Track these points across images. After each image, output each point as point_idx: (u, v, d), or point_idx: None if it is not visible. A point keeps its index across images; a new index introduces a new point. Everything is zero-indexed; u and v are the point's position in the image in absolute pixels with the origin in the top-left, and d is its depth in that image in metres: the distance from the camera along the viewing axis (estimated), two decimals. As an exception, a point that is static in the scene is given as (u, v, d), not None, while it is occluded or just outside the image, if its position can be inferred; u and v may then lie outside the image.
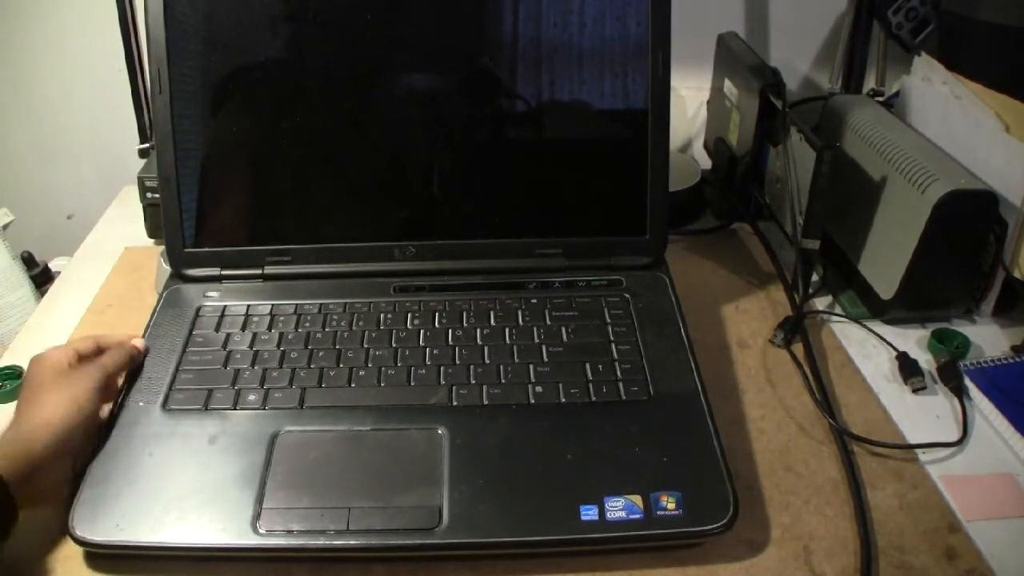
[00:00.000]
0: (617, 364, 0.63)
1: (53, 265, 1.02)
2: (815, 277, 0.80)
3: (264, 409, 0.60)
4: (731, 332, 0.74)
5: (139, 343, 0.64)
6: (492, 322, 0.67)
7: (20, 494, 0.51)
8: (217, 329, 0.67)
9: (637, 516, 0.52)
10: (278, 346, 0.65)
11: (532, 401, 0.60)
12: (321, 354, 0.64)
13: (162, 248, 0.73)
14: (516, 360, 0.64)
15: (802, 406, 0.66)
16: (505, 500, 0.53)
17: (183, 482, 0.55)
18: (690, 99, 1.04)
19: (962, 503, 0.58)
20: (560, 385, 0.61)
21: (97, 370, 0.58)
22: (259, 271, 0.72)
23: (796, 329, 0.73)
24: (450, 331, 0.66)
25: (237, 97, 0.70)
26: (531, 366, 0.63)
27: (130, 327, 0.68)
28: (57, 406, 0.55)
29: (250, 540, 0.51)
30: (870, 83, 0.99)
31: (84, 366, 0.58)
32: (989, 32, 0.89)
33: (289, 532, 0.52)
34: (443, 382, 0.62)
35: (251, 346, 0.65)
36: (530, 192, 0.73)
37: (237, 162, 0.72)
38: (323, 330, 0.67)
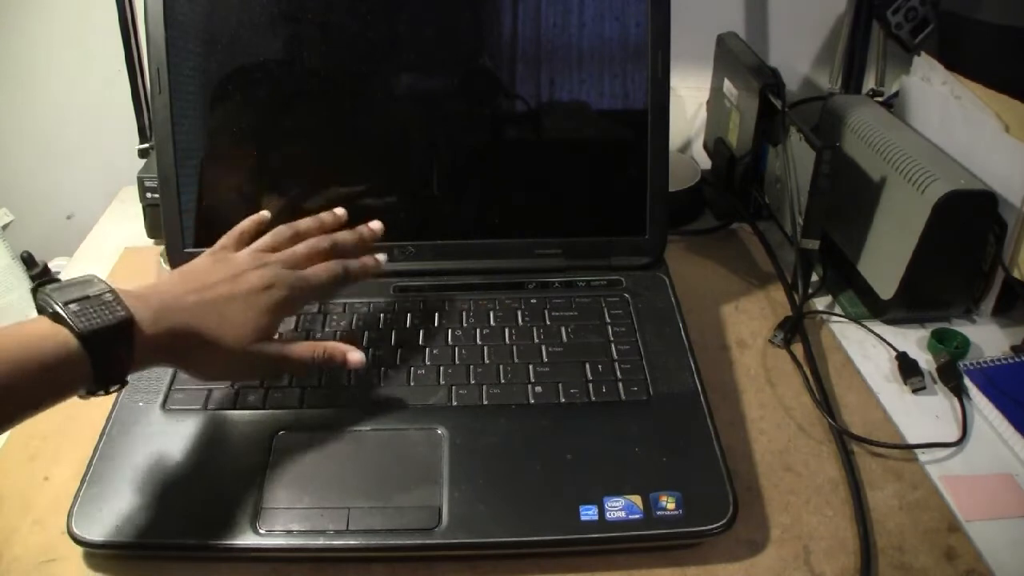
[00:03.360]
0: (617, 364, 0.63)
1: (53, 265, 1.02)
2: (815, 277, 0.80)
3: (264, 409, 0.60)
4: (731, 332, 0.74)
5: (382, 258, 0.61)
6: (492, 322, 0.67)
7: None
8: (217, 329, 0.67)
9: (637, 516, 0.52)
10: (278, 346, 0.65)
11: (532, 401, 0.61)
12: (321, 354, 0.64)
13: (162, 248, 0.73)
14: (516, 360, 0.64)
15: (801, 406, 0.66)
16: (505, 500, 0.53)
17: (183, 482, 0.55)
18: (689, 99, 1.04)
19: (962, 503, 0.58)
20: (560, 385, 0.61)
21: (288, 305, 0.55)
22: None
23: (796, 329, 0.73)
24: (450, 331, 0.66)
25: (237, 97, 0.70)
26: (531, 366, 0.63)
27: (130, 327, 0.68)
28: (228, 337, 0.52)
29: (250, 540, 0.51)
30: (870, 83, 0.99)
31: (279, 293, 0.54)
32: (989, 32, 0.89)
33: (289, 532, 0.52)
34: (443, 382, 0.62)
35: (251, 346, 0.65)
36: (529, 192, 0.73)
37: (237, 162, 0.72)
38: (323, 330, 0.67)
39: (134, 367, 0.49)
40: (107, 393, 0.49)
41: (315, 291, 0.58)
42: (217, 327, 0.52)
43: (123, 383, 0.49)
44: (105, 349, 0.46)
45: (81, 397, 0.48)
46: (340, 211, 0.63)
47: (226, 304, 0.53)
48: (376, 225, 0.63)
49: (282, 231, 0.61)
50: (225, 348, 0.52)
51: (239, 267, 0.56)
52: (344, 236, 0.62)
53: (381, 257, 0.62)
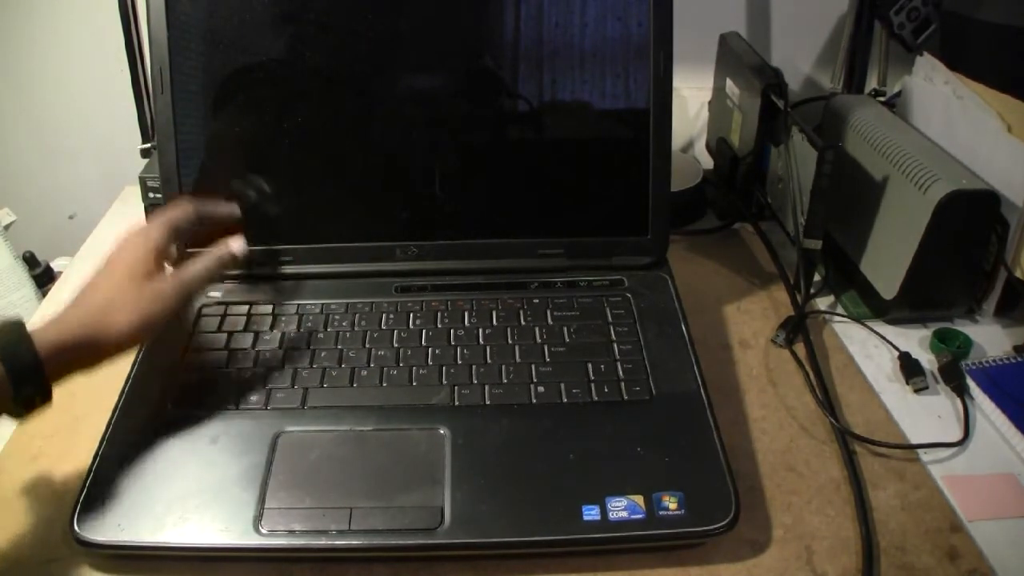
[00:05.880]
0: (619, 364, 0.63)
1: (55, 265, 1.02)
2: (817, 277, 0.80)
3: (266, 409, 0.60)
4: (733, 332, 0.74)
5: (237, 246, 0.63)
6: (494, 322, 0.67)
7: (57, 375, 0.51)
8: (219, 329, 0.67)
9: (639, 516, 0.52)
10: (280, 346, 0.65)
11: (534, 401, 0.61)
12: (323, 354, 0.64)
13: (164, 248, 0.73)
14: (518, 360, 0.64)
15: (804, 406, 0.66)
16: (507, 500, 0.53)
17: (185, 482, 0.55)
18: (692, 99, 1.04)
19: (964, 503, 0.58)
20: (562, 385, 0.61)
21: (179, 288, 0.57)
22: (261, 271, 0.72)
23: (798, 329, 0.73)
24: (452, 331, 0.66)
25: (239, 97, 0.70)
26: (533, 366, 0.63)
27: (132, 327, 0.69)
28: (127, 322, 0.54)
29: (252, 540, 0.51)
30: (872, 83, 0.99)
31: (163, 279, 0.57)
32: (991, 32, 0.89)
33: (291, 532, 0.52)
34: (445, 382, 0.62)
35: (253, 346, 0.65)
36: (532, 192, 0.73)
37: (239, 162, 0.72)
38: (325, 330, 0.67)
39: (49, 370, 0.50)
40: (37, 408, 0.51)
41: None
42: (104, 290, 0.56)
43: (47, 394, 0.51)
44: (10, 353, 0.49)
45: (17, 417, 0.51)
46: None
47: (102, 275, 0.57)
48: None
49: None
50: (123, 298, 0.55)
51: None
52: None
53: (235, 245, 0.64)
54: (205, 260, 0.61)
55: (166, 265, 0.59)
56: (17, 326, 0.50)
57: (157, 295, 0.56)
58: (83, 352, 0.53)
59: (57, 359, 0.51)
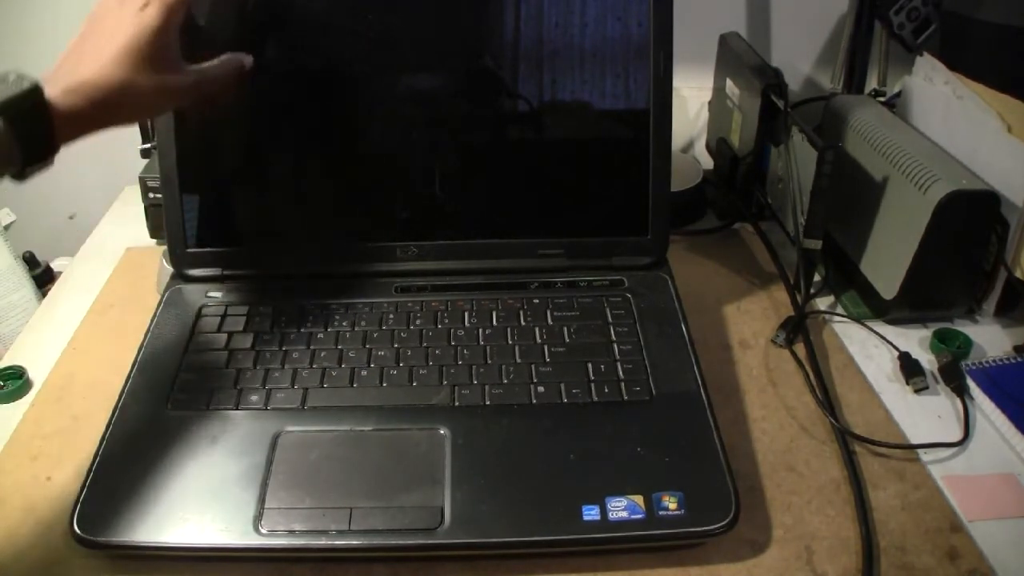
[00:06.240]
0: (619, 364, 0.63)
1: (55, 265, 1.02)
2: (817, 277, 0.80)
3: (266, 409, 0.60)
4: (733, 332, 0.74)
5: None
6: (494, 322, 0.67)
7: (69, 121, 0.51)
8: (219, 329, 0.67)
9: (639, 516, 0.52)
10: (280, 346, 0.65)
11: (534, 401, 0.61)
12: (323, 354, 0.64)
13: (164, 248, 0.73)
14: (518, 360, 0.64)
15: (804, 406, 0.66)
16: (507, 500, 0.53)
17: (185, 482, 0.55)
18: (692, 99, 1.04)
19: (964, 503, 0.58)
20: (562, 385, 0.61)
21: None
22: (261, 271, 0.72)
23: (798, 329, 0.73)
24: (452, 331, 0.66)
25: (239, 97, 0.70)
26: (533, 366, 0.63)
27: (132, 327, 0.69)
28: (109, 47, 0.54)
29: (252, 540, 0.51)
30: (872, 83, 0.99)
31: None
32: (991, 32, 0.89)
33: (291, 532, 0.52)
34: (445, 382, 0.62)
35: (253, 346, 0.65)
36: (532, 192, 0.73)
37: (239, 162, 0.72)
38: (325, 330, 0.67)
39: (58, 133, 0.50)
40: (42, 166, 0.51)
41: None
42: (111, 38, 0.55)
43: (53, 153, 0.51)
44: (23, 118, 0.49)
45: (19, 178, 0.51)
46: None
47: (115, 27, 0.56)
48: None
49: None
50: (135, 81, 0.54)
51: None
52: None
53: None
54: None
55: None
56: (36, 90, 0.50)
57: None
58: (101, 106, 0.52)
59: (73, 120, 0.50)
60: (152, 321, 0.68)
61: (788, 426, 0.64)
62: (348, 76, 0.70)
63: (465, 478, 0.55)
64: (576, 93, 0.71)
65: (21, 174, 0.51)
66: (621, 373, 0.63)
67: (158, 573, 0.53)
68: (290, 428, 0.58)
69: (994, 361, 0.70)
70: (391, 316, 0.68)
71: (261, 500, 0.53)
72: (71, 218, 1.11)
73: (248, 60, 0.63)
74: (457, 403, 0.60)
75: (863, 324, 0.75)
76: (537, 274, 0.72)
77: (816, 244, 0.74)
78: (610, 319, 0.68)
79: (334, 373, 0.63)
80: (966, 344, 0.71)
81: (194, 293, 0.71)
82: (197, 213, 0.71)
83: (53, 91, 0.50)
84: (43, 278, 0.99)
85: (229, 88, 0.62)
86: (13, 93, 0.49)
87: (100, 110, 0.53)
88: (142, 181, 0.83)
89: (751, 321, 0.76)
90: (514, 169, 0.73)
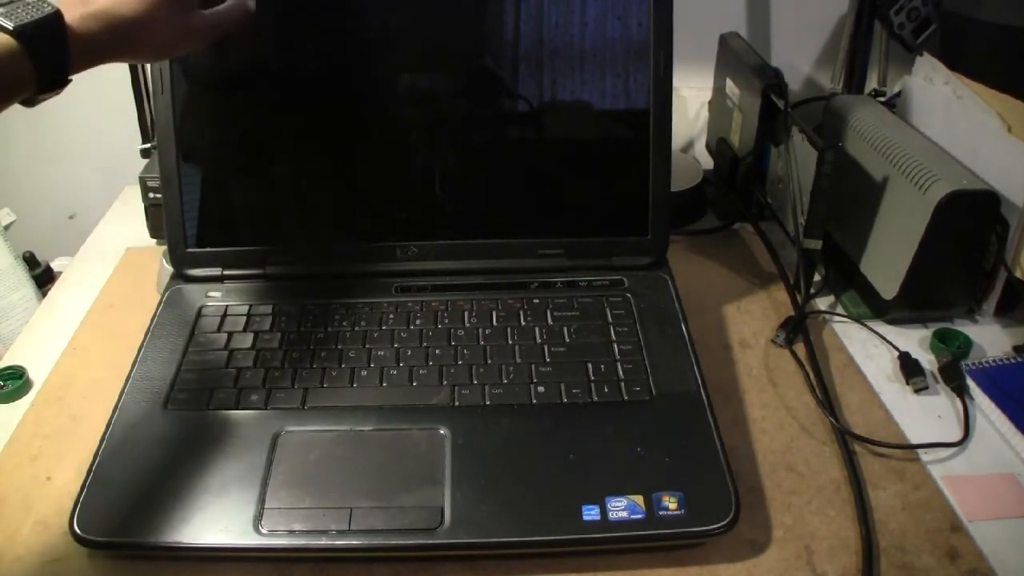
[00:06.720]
0: (619, 364, 0.63)
1: (55, 265, 1.02)
2: (817, 277, 0.80)
3: (266, 409, 0.60)
4: (733, 332, 0.74)
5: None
6: (494, 322, 0.67)
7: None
8: (219, 329, 0.67)
9: (639, 516, 0.52)
10: (280, 346, 0.65)
11: (534, 401, 0.61)
12: (323, 354, 0.64)
13: (164, 248, 0.73)
14: (518, 360, 0.64)
15: (804, 406, 0.66)
16: (507, 500, 0.53)
17: (185, 482, 0.55)
18: (692, 99, 1.04)
19: (964, 503, 0.58)
20: (562, 385, 0.61)
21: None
22: (261, 271, 0.72)
23: (798, 329, 0.73)
24: (452, 331, 0.66)
25: (239, 97, 0.70)
26: (533, 366, 0.63)
27: (132, 327, 0.69)
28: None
29: (252, 540, 0.51)
30: (872, 83, 0.99)
31: None
32: (991, 32, 0.89)
33: (291, 532, 0.52)
34: (445, 382, 0.62)
35: (253, 346, 0.65)
36: (532, 192, 0.73)
37: (239, 162, 0.72)
38: (325, 330, 0.67)
39: (74, 60, 0.50)
40: (53, 92, 0.51)
41: None
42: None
43: (65, 80, 0.51)
44: (41, 42, 0.48)
45: (28, 103, 0.50)
46: None
47: None
48: None
49: None
50: (154, 16, 0.54)
51: None
52: None
53: None
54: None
55: None
56: (55, 16, 0.49)
57: None
58: (118, 40, 0.52)
59: (89, 47, 0.50)
60: (152, 321, 0.68)
61: (788, 426, 0.64)
62: (348, 76, 0.70)
63: (465, 478, 0.55)
64: (576, 93, 0.71)
65: (31, 100, 0.51)
66: (621, 373, 0.63)
67: (158, 573, 0.53)
68: (290, 428, 0.58)
69: (994, 361, 0.70)
70: (391, 316, 0.68)
71: (261, 500, 0.53)
72: (71, 218, 1.12)
73: (252, 2, 0.62)
74: (457, 403, 0.60)
75: (863, 324, 0.75)
76: (537, 274, 0.72)
77: (816, 244, 0.74)
78: (610, 319, 0.68)
79: (334, 373, 0.63)
80: (966, 344, 0.71)
81: (194, 293, 0.71)
82: (197, 213, 0.71)
83: (71, 15, 0.50)
84: (43, 278, 0.99)
85: (238, 34, 0.61)
86: (34, 17, 0.48)
87: (116, 40, 0.53)
88: (142, 181, 0.83)
89: (751, 321, 0.76)
90: (514, 169, 0.73)
